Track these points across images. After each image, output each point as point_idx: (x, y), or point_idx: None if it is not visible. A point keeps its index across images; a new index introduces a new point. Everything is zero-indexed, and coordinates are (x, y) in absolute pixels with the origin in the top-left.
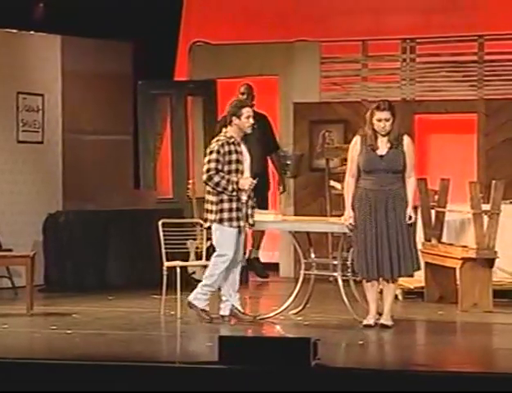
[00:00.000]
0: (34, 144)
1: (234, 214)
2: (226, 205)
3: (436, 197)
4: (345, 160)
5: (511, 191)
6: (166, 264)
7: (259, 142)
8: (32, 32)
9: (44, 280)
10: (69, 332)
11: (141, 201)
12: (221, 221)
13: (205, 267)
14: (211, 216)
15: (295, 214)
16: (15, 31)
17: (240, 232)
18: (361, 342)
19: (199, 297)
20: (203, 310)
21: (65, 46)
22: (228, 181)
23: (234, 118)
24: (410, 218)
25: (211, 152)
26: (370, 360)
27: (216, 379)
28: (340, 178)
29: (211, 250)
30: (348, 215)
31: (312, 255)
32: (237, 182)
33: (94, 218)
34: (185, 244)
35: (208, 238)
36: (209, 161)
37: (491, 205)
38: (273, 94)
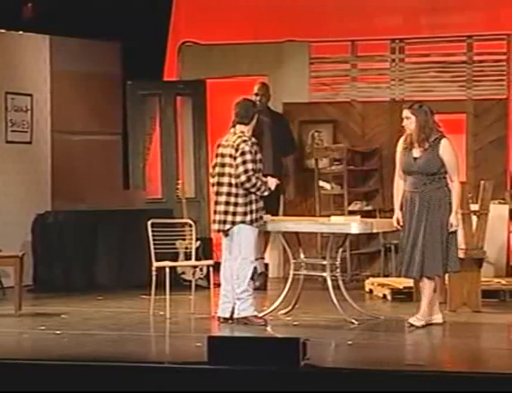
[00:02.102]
0: (23, 144)
1: (259, 214)
2: (254, 206)
3: None
4: (335, 160)
5: (500, 192)
6: (155, 264)
7: (275, 141)
8: (20, 32)
9: (33, 280)
10: (57, 332)
11: (130, 202)
12: (251, 222)
13: (195, 267)
14: (236, 218)
15: (284, 214)
16: (3, 31)
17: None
18: (350, 342)
19: (243, 308)
20: (254, 317)
21: (54, 46)
22: (262, 182)
23: (252, 118)
24: (451, 225)
25: (243, 153)
26: (359, 360)
27: (205, 379)
28: (329, 179)
29: (200, 250)
30: (396, 216)
31: (302, 255)
32: (266, 183)
33: (83, 218)
34: (174, 244)
35: (198, 239)
36: (245, 162)
37: (480, 205)
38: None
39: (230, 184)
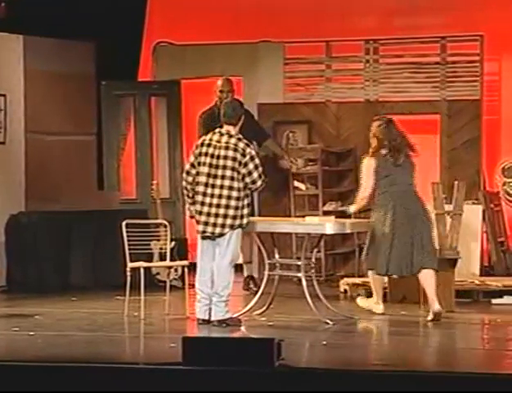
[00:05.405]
0: None
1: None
2: (250, 208)
3: None
4: (309, 160)
5: (473, 192)
6: (130, 264)
7: (251, 134)
8: None
9: (6, 281)
10: (31, 333)
11: (104, 202)
12: (247, 224)
13: (169, 268)
14: (235, 221)
15: (259, 215)
16: None
17: None
18: (324, 342)
19: (227, 310)
20: (231, 318)
21: (28, 46)
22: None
23: (240, 118)
24: None
25: (252, 158)
26: (334, 360)
27: (179, 380)
28: (304, 179)
29: (175, 250)
30: None
31: (277, 256)
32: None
33: (57, 219)
34: (149, 245)
35: (172, 239)
36: (257, 167)
37: (454, 205)
38: (237, 95)
39: (231, 188)
